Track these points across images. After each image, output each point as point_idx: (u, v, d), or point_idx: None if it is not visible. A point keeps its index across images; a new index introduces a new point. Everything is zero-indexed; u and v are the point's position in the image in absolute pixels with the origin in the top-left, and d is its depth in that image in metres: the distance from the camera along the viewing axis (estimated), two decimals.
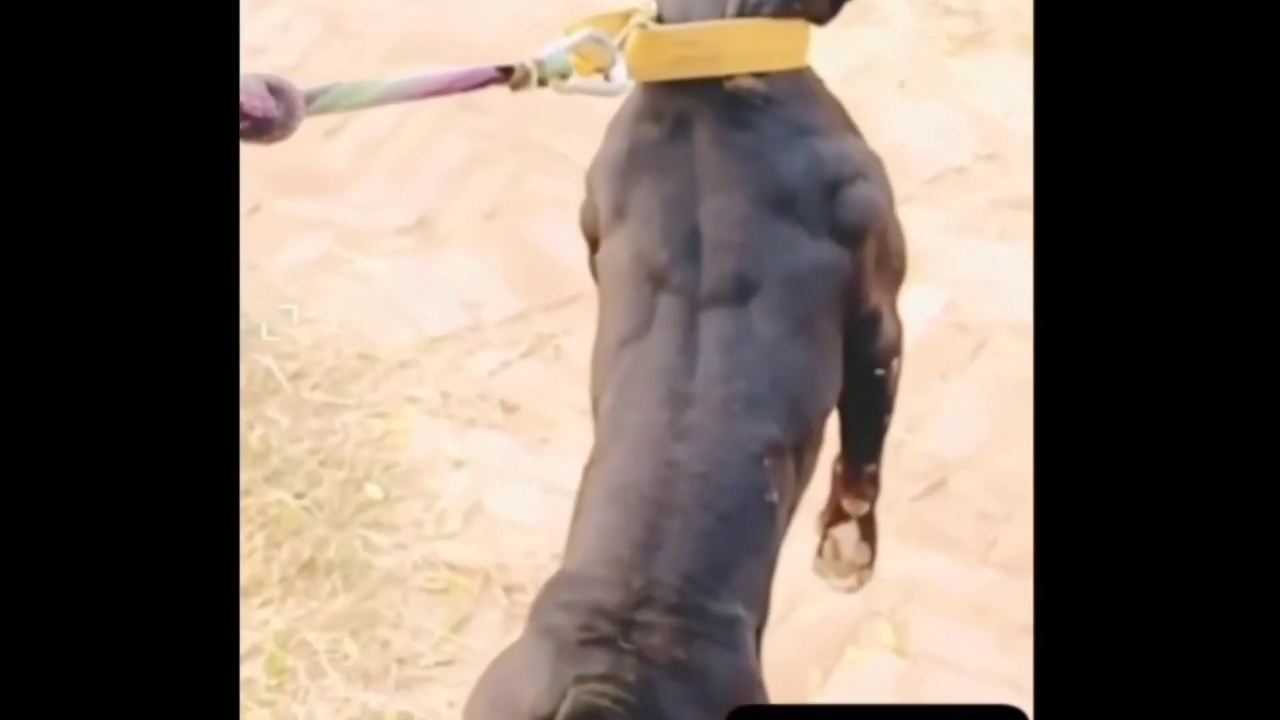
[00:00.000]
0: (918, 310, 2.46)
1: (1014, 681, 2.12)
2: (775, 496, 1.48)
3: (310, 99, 1.37)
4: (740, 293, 1.51)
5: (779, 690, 2.11)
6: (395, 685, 2.18)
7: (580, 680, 1.34)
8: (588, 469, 1.53)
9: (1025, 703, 2.03)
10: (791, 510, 1.55)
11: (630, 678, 1.34)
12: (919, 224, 2.07)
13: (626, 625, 1.37)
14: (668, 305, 1.52)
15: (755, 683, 1.43)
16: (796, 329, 1.52)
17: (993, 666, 2.15)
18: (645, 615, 1.37)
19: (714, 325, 1.50)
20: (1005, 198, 2.77)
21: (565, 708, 1.33)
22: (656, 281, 1.53)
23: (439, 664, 2.20)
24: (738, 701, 1.37)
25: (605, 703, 1.33)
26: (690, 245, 1.53)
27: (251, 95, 1.32)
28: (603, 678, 1.34)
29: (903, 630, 2.20)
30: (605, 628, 1.37)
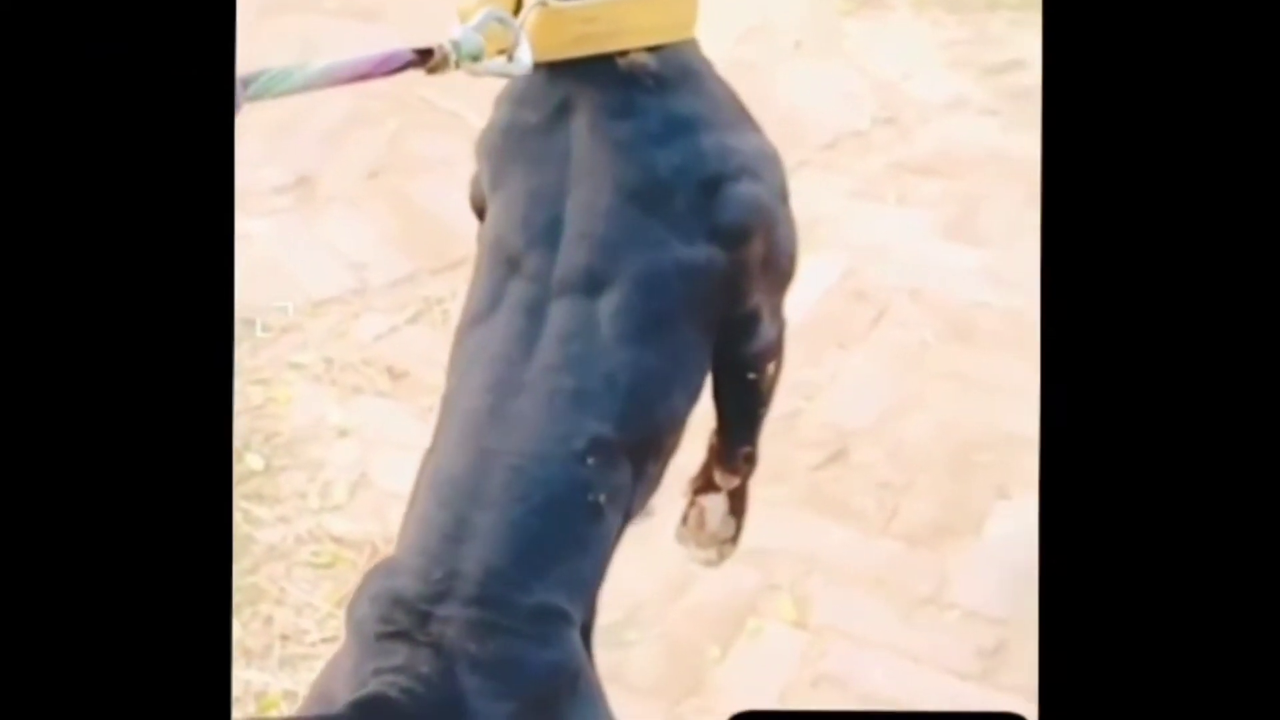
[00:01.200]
0: (815, 278, 2.45)
1: (916, 654, 2.11)
2: (600, 497, 1.44)
3: (244, 85, 1.32)
4: (589, 286, 1.48)
5: (677, 667, 2.09)
6: (279, 663, 2.12)
7: (378, 673, 1.33)
8: (425, 454, 1.50)
9: (930, 675, 2.08)
10: (629, 514, 1.50)
11: (425, 669, 1.33)
12: (815, 189, 2.04)
13: (424, 618, 1.35)
14: (517, 291, 1.49)
15: (575, 676, 1.39)
16: (648, 329, 1.48)
17: (895, 639, 2.13)
18: (443, 608, 1.35)
19: (557, 316, 1.47)
20: (904, 162, 2.75)
21: (357, 695, 1.32)
22: (511, 266, 1.50)
23: (324, 641, 2.14)
24: (551, 694, 1.36)
25: (394, 692, 1.31)
26: (550, 234, 1.50)
27: None
28: (398, 669, 1.33)
29: (803, 603, 2.18)
30: (403, 620, 1.35)
